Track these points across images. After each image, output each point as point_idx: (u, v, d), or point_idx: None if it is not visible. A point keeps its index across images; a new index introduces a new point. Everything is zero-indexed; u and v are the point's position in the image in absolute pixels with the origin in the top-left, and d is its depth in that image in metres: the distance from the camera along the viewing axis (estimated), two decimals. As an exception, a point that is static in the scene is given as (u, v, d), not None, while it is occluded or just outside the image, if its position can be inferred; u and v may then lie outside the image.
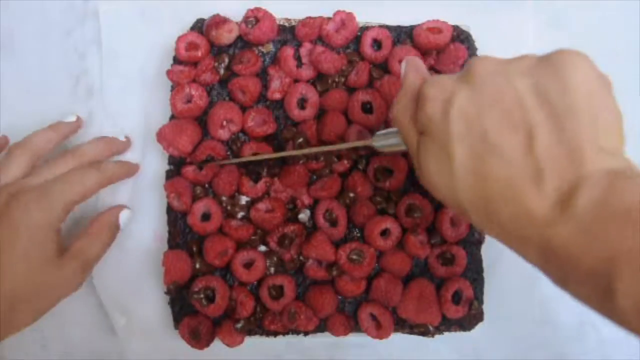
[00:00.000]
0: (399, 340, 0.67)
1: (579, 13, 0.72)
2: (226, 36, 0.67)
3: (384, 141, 0.55)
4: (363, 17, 0.69)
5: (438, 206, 0.66)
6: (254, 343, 0.68)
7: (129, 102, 0.71)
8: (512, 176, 0.40)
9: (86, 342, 0.70)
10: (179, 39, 0.66)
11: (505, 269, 0.69)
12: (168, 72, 0.67)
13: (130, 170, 0.68)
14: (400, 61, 0.66)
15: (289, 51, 0.67)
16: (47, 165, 0.61)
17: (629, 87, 0.66)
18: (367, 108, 0.66)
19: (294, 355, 0.70)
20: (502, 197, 0.40)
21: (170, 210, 0.67)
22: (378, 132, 0.56)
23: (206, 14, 0.69)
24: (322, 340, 0.68)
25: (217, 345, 0.66)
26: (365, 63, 0.67)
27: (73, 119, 0.67)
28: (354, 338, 0.67)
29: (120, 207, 0.67)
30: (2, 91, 0.71)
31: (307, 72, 0.67)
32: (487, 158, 0.41)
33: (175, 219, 0.67)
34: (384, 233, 0.65)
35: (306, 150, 0.64)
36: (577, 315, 0.70)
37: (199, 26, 0.68)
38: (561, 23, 0.72)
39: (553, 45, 0.70)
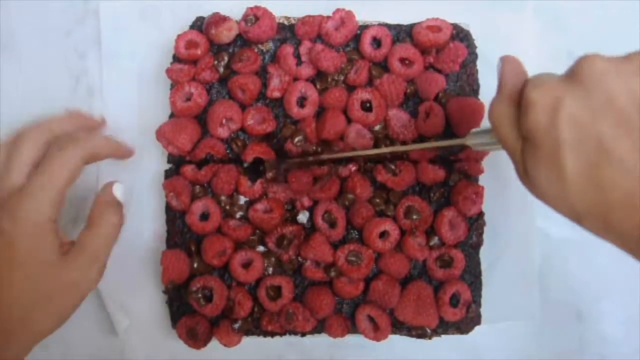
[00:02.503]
0: (399, 340, 0.67)
1: (579, 13, 0.71)
2: (226, 34, 0.66)
3: (480, 139, 0.53)
4: (362, 16, 0.68)
5: (437, 209, 0.66)
6: (255, 343, 0.68)
7: (129, 101, 0.71)
8: (634, 184, 0.38)
9: (86, 342, 0.71)
10: (179, 37, 0.66)
11: (504, 271, 0.68)
12: (167, 71, 0.67)
13: (119, 149, 0.62)
14: (400, 59, 0.66)
15: (288, 49, 0.66)
16: (16, 149, 0.55)
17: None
18: (366, 106, 0.65)
19: (293, 355, 0.70)
20: (623, 206, 0.38)
21: (168, 209, 0.67)
22: (473, 130, 0.54)
23: (206, 13, 0.68)
24: (322, 341, 0.68)
25: (217, 345, 0.66)
26: (364, 61, 0.66)
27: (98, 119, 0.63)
28: (354, 338, 0.67)
29: (110, 183, 0.58)
30: (2, 91, 0.72)
31: (306, 70, 0.67)
32: (603, 166, 0.38)
33: (174, 218, 0.67)
34: (383, 235, 0.64)
35: (390, 149, 0.64)
36: (577, 315, 0.70)
37: (199, 25, 0.68)
38: (561, 23, 0.72)
39: (553, 45, 0.71)
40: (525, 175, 0.45)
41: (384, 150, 0.64)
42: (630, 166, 0.38)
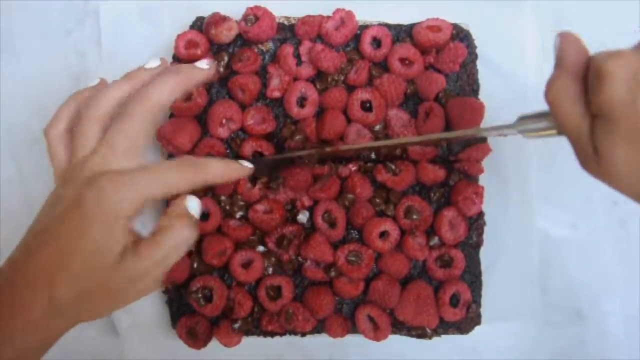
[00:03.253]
0: (400, 340, 0.67)
1: (579, 13, 0.72)
2: (225, 34, 0.66)
3: (533, 125, 0.47)
4: (362, 16, 0.68)
5: (437, 209, 0.66)
6: (255, 342, 0.68)
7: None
8: None
9: (86, 342, 0.70)
10: (179, 37, 0.66)
11: (504, 271, 0.68)
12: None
13: (240, 172, 0.57)
14: (400, 59, 0.66)
15: (288, 49, 0.66)
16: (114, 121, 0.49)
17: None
18: (366, 106, 0.65)
19: (293, 355, 0.70)
20: None
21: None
22: (524, 115, 0.49)
23: (206, 13, 0.68)
24: (322, 341, 0.68)
25: (217, 345, 0.66)
26: (364, 61, 0.66)
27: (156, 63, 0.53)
28: (354, 338, 0.67)
29: (184, 197, 0.53)
30: (2, 91, 0.72)
31: (306, 70, 0.67)
32: None
33: (174, 218, 0.67)
34: (383, 235, 0.64)
35: (405, 140, 0.63)
36: (576, 315, 0.70)
37: (199, 25, 0.68)
38: (561, 22, 0.72)
39: (553, 44, 0.71)
40: (594, 158, 0.41)
41: (388, 142, 0.63)
42: None
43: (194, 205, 0.53)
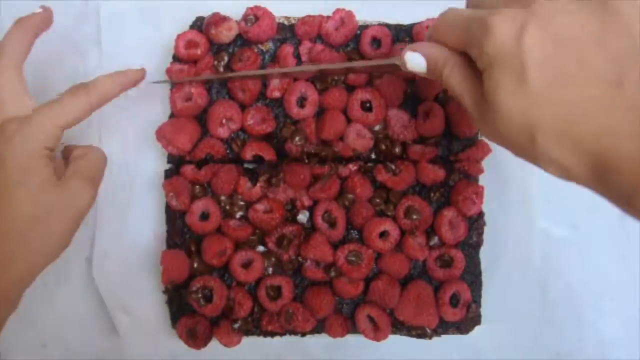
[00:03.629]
0: (399, 340, 0.67)
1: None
2: (225, 34, 0.66)
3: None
4: (362, 16, 0.68)
5: (437, 209, 0.66)
6: (254, 342, 0.68)
7: (129, 101, 0.71)
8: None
9: (86, 342, 0.71)
10: (179, 37, 0.66)
11: (504, 271, 0.68)
12: (167, 71, 0.67)
13: (130, 78, 0.62)
14: None
15: (288, 49, 0.66)
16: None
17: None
18: (366, 106, 0.65)
19: (293, 355, 0.70)
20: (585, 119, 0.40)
21: (168, 209, 0.67)
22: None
23: (205, 13, 0.68)
24: (322, 341, 0.68)
25: (217, 344, 0.66)
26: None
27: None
28: (353, 338, 0.67)
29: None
30: (2, 91, 0.71)
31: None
32: (568, 85, 0.40)
33: (174, 218, 0.67)
34: (383, 235, 0.64)
35: (324, 66, 0.64)
36: (577, 315, 0.70)
37: (199, 24, 0.68)
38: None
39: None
40: (481, 103, 0.45)
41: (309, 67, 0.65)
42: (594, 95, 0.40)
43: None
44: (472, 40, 0.44)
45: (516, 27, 0.41)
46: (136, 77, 0.62)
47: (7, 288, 0.54)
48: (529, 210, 0.69)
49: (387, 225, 0.64)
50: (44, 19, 0.62)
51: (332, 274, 0.64)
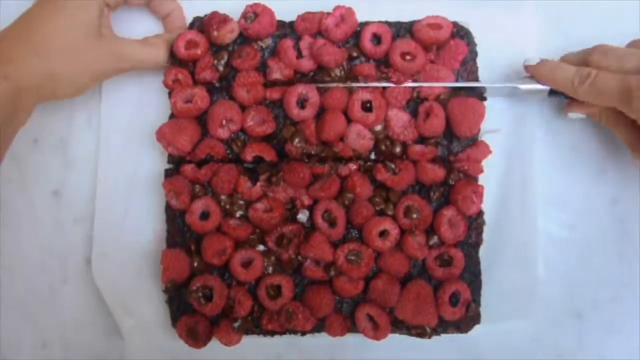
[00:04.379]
0: (399, 339, 0.67)
1: (579, 13, 0.72)
2: (228, 36, 0.66)
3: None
4: (362, 16, 0.68)
5: (436, 208, 0.66)
6: (254, 342, 0.68)
7: (129, 101, 0.71)
8: None
9: (86, 342, 0.71)
10: (179, 37, 0.66)
11: (504, 271, 0.68)
12: (164, 82, 0.67)
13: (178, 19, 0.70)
14: (401, 54, 0.65)
15: (288, 43, 0.66)
16: None
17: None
18: (367, 107, 0.65)
19: (293, 355, 0.70)
20: None
21: (168, 208, 0.67)
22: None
23: (203, 12, 0.68)
24: (322, 340, 0.68)
25: (217, 344, 0.66)
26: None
27: None
28: (354, 338, 0.67)
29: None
30: (3, 91, 0.72)
31: (307, 64, 0.66)
32: None
33: (174, 217, 0.67)
34: (383, 234, 0.64)
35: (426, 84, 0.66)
36: (576, 315, 0.70)
37: (198, 24, 0.68)
38: (561, 23, 0.72)
39: (553, 45, 0.71)
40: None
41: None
42: None
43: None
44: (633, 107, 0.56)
45: None
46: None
47: (20, 93, 0.59)
48: (529, 210, 0.69)
49: (387, 225, 0.64)
50: None
51: (332, 273, 0.64)
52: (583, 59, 0.62)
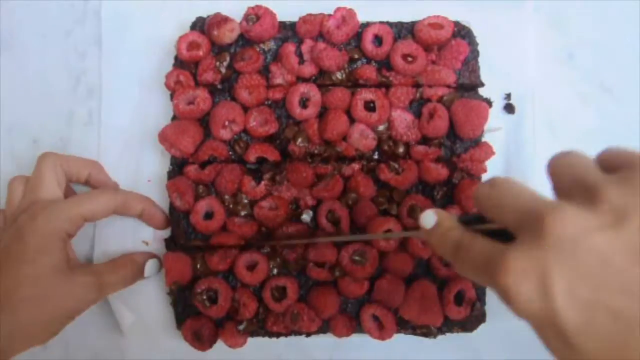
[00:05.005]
0: (400, 339, 0.67)
1: (579, 13, 0.72)
2: (228, 35, 0.66)
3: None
4: (363, 16, 0.67)
5: (441, 207, 0.66)
6: (254, 342, 0.68)
7: (129, 101, 0.71)
8: None
9: (86, 342, 0.70)
10: (180, 39, 0.66)
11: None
12: (166, 84, 0.67)
13: (154, 215, 0.67)
14: (402, 56, 0.65)
15: (290, 48, 0.66)
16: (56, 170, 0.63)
17: (629, 86, 0.66)
18: (370, 107, 0.65)
19: (293, 355, 0.70)
20: None
21: (172, 209, 0.67)
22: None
23: (206, 13, 0.68)
24: (322, 340, 0.68)
25: (222, 345, 0.66)
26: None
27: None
28: (354, 338, 0.67)
29: (150, 254, 0.68)
30: (2, 91, 0.71)
31: (308, 69, 0.66)
32: (630, 343, 0.34)
33: (178, 218, 0.67)
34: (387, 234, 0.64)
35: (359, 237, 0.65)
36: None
37: (200, 25, 0.68)
38: (561, 23, 0.72)
39: (553, 45, 0.71)
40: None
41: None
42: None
43: (150, 268, 0.67)
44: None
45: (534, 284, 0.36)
46: (159, 220, 0.68)
47: None
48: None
49: (391, 224, 0.64)
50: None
51: (337, 273, 0.64)
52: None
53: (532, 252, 0.36)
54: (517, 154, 0.69)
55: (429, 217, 0.47)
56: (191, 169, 0.65)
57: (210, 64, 0.66)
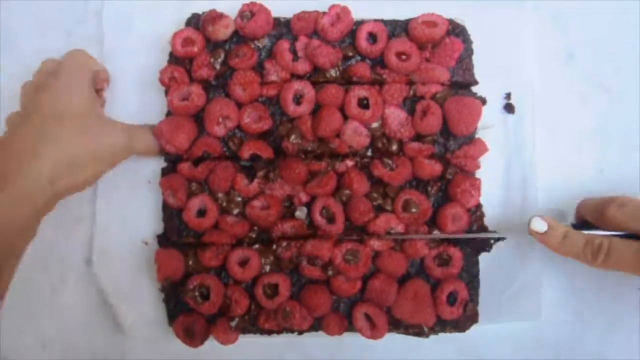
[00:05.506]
0: (399, 339, 0.67)
1: (579, 12, 0.71)
2: (223, 31, 0.67)
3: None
4: (358, 14, 0.68)
5: (435, 202, 0.66)
6: (254, 343, 0.68)
7: (129, 100, 0.71)
8: None
9: (86, 343, 0.70)
10: (175, 35, 0.67)
11: (503, 271, 0.68)
12: (160, 79, 0.67)
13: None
14: (397, 54, 0.66)
15: (284, 45, 0.66)
16: None
17: (628, 86, 0.65)
18: (364, 104, 0.65)
19: (293, 355, 0.69)
20: None
21: (165, 206, 0.67)
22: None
23: (202, 10, 0.69)
24: (322, 341, 0.68)
25: (215, 343, 0.66)
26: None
27: None
28: (354, 338, 0.66)
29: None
30: (2, 91, 0.72)
31: (302, 66, 0.66)
32: None
33: (171, 215, 0.67)
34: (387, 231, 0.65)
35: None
36: (576, 314, 0.69)
37: (195, 22, 0.69)
38: (561, 23, 0.72)
39: (553, 45, 0.71)
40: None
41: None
42: None
43: None
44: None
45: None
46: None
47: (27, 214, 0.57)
48: (528, 210, 0.68)
49: (392, 222, 0.64)
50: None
51: (330, 272, 0.64)
52: (600, 208, 0.60)
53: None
54: (517, 154, 0.69)
55: (539, 224, 0.61)
56: (185, 166, 0.66)
57: (205, 60, 0.67)
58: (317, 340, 0.68)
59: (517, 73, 0.70)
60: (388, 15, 0.69)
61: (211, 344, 0.66)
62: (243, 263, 0.65)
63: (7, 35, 0.73)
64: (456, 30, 0.67)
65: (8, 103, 0.72)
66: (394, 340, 0.66)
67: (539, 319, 0.67)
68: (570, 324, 0.69)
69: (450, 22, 0.67)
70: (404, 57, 0.66)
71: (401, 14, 0.68)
